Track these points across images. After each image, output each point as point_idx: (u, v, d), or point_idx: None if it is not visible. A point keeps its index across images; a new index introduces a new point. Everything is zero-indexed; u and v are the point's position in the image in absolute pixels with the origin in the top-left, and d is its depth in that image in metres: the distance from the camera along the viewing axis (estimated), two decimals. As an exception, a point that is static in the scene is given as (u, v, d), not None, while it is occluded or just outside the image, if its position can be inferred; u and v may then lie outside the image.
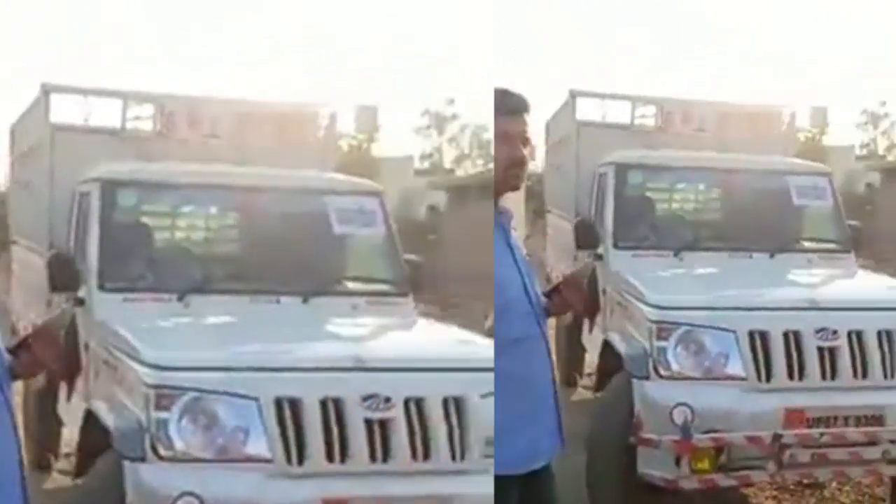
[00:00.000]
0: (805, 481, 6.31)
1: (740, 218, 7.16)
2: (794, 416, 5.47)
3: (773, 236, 7.03)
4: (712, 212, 7.59)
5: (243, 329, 5.21)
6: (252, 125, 6.64)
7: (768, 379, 5.57)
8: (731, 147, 7.72)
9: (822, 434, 5.42)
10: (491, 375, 3.75)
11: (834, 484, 6.67)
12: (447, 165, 19.44)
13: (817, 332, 5.62)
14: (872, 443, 5.52)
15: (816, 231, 7.44)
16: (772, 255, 6.87)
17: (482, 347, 4.72)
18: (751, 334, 5.59)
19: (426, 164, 18.90)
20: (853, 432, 5.51)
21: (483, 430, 4.43)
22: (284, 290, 5.61)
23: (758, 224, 7.08)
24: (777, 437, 5.35)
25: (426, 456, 4.46)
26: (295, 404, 4.39)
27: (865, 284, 6.74)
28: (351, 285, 6.05)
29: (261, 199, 5.94)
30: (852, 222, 7.45)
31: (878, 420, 5.63)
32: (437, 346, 5.26)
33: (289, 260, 5.79)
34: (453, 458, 4.49)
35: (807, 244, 7.30)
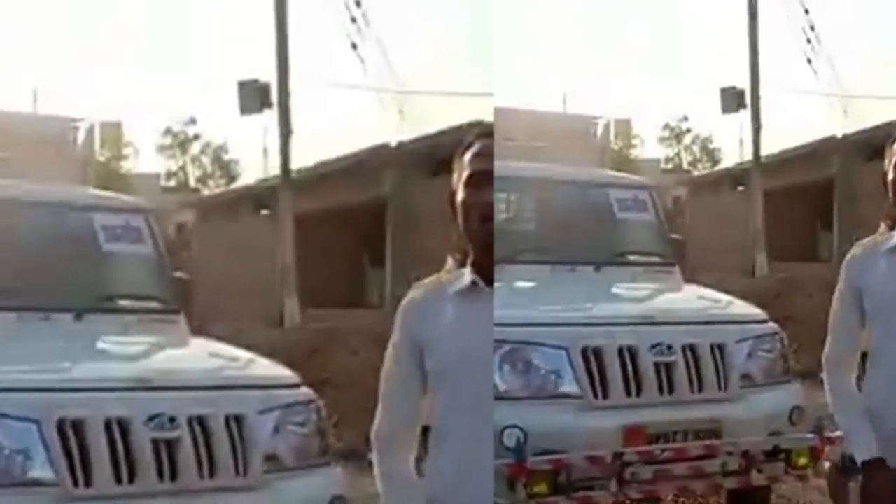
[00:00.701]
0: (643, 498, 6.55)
1: (560, 230, 7.40)
2: (633, 433, 5.85)
3: (596, 249, 7.38)
4: (527, 223, 7.71)
5: (15, 347, 5.29)
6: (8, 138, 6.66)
7: (605, 396, 5.83)
8: (543, 156, 7.90)
9: (663, 450, 5.70)
10: (270, 392, 4.91)
11: (670, 497, 6.97)
12: (192, 184, 19.97)
13: (653, 347, 5.92)
14: (712, 456, 5.86)
15: (640, 244, 7.79)
16: (597, 269, 7.18)
17: (260, 366, 5.46)
18: (584, 351, 5.87)
19: (172, 182, 19.39)
20: (693, 446, 5.80)
21: (262, 447, 4.95)
22: (54, 307, 5.71)
23: (580, 237, 7.40)
24: (618, 456, 5.69)
25: (212, 474, 4.83)
26: (79, 426, 4.60)
27: (693, 298, 7.14)
28: (122, 303, 6.24)
29: (25, 214, 6.04)
30: (675, 236, 7.81)
31: (715, 433, 6.07)
32: (217, 364, 5.61)
33: (57, 277, 5.93)
34: (237, 474, 4.90)
35: (631, 258, 7.69)
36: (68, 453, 4.52)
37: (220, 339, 6.20)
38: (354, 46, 14.84)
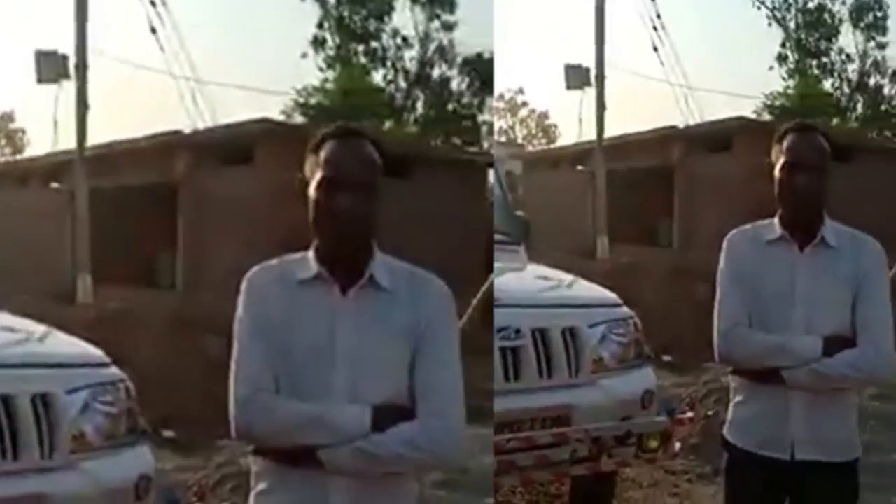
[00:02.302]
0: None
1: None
2: None
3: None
4: None
5: None
6: None
7: (445, 385, 5.58)
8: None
9: (508, 440, 5.50)
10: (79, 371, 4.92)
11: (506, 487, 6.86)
12: None
13: (499, 331, 5.71)
14: (559, 444, 5.68)
15: (485, 221, 7.57)
16: (440, 248, 6.92)
17: (67, 344, 5.40)
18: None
19: None
20: (541, 435, 5.63)
21: (70, 427, 4.86)
22: None
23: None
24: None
25: (16, 456, 4.71)
26: None
27: (541, 280, 6.93)
28: None
29: None
30: (519, 213, 7.65)
31: (565, 420, 5.84)
32: (19, 341, 5.35)
33: None
34: (42, 456, 4.77)
35: None
36: None
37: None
38: (154, 30, 14.98)
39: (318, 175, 2.91)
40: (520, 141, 27.02)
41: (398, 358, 2.94)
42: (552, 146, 20.95)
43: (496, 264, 7.01)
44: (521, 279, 6.83)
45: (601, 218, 14.84)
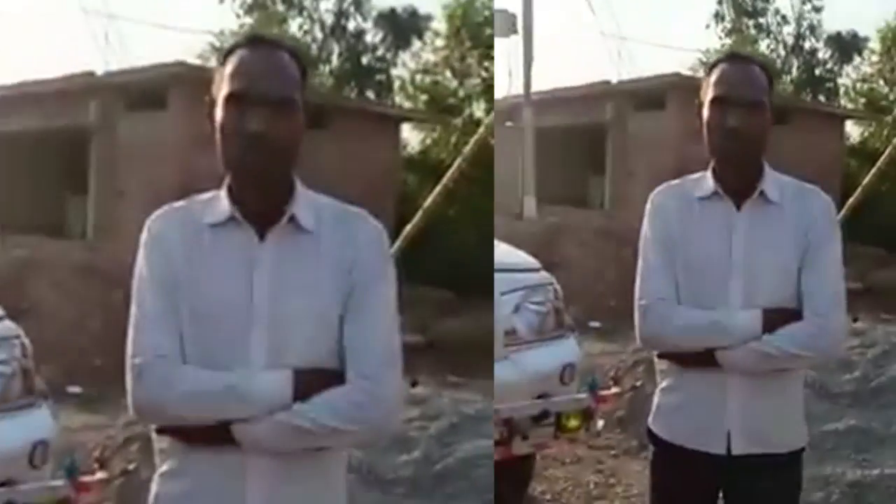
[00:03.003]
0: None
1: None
2: None
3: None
4: None
5: None
6: None
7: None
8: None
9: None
10: None
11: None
12: None
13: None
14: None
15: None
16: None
17: None
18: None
19: None
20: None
21: None
22: None
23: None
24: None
25: None
26: None
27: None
28: None
29: None
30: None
31: (474, 402, 5.14)
32: None
33: None
34: None
35: None
36: None
37: None
38: None
39: (224, 91, 2.42)
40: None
41: (324, 313, 2.45)
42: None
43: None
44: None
45: (529, 177, 14.17)
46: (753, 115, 2.95)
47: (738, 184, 3.02)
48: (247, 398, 2.35)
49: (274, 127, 2.37)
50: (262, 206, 2.44)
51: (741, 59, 3.04)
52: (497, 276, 5.61)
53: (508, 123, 15.72)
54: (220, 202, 2.46)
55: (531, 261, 5.96)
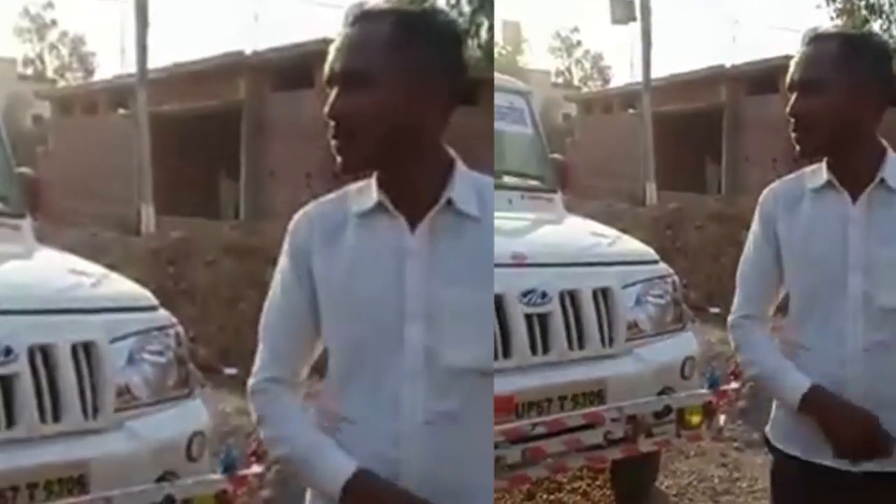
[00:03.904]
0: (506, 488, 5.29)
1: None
2: (499, 405, 4.49)
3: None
4: None
5: None
6: None
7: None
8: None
9: (534, 425, 4.52)
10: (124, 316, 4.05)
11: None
12: (49, 74, 18.60)
13: (524, 295, 4.72)
14: (592, 425, 4.73)
15: (515, 163, 6.39)
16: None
17: (112, 285, 4.46)
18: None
19: (29, 71, 18.00)
20: (572, 416, 4.67)
21: (114, 380, 4.07)
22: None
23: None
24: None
25: (56, 417, 3.90)
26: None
27: (576, 233, 5.88)
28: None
29: None
30: (556, 156, 6.61)
31: (599, 397, 4.88)
32: (66, 282, 4.42)
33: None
34: (85, 416, 3.99)
35: (505, 179, 6.18)
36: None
37: (77, 246, 5.10)
38: None
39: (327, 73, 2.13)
40: (576, 83, 25.76)
41: (484, 307, 2.14)
42: (605, 88, 19.76)
43: (532, 214, 5.93)
44: (551, 233, 5.82)
45: (649, 163, 13.74)
46: (810, 97, 2.55)
47: (854, 172, 2.61)
48: (304, 471, 2.16)
49: (344, 105, 2.07)
50: (409, 192, 2.12)
51: (815, 39, 2.62)
52: (618, 268, 5.27)
53: (631, 111, 15.35)
54: (369, 190, 2.16)
55: (650, 252, 5.60)
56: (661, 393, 5.04)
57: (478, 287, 2.12)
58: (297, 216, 2.22)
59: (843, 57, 2.56)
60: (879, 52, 2.61)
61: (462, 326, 2.10)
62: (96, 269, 4.64)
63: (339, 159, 2.10)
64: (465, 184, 2.13)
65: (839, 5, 16.29)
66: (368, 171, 2.17)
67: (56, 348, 3.91)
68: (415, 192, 2.11)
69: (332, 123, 2.09)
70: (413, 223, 2.11)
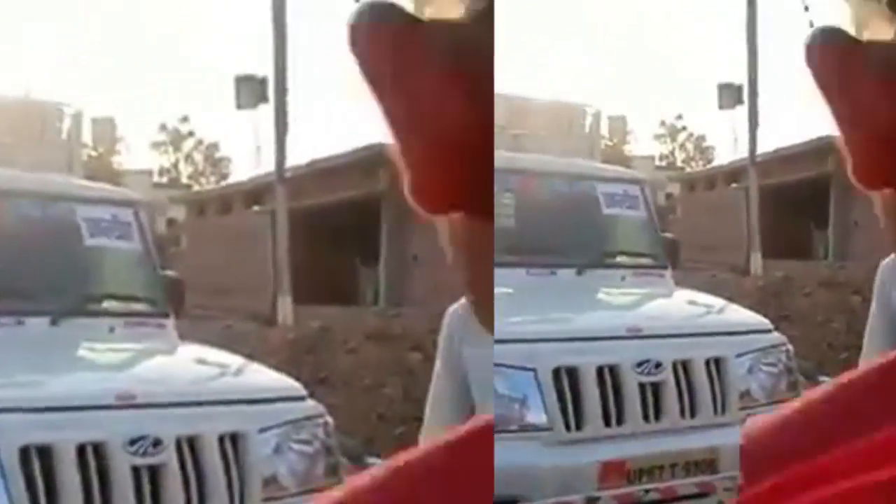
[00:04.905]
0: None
1: (540, 227, 5.98)
2: (611, 470, 4.42)
3: (580, 249, 5.92)
4: (504, 218, 6.30)
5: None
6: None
7: (579, 427, 4.46)
8: (525, 146, 6.59)
9: (647, 490, 4.32)
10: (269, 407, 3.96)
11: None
12: (184, 181, 19.06)
13: (638, 365, 4.55)
14: (705, 493, 4.50)
15: (629, 244, 6.38)
16: (579, 272, 5.71)
17: (259, 376, 4.46)
18: (556, 372, 4.50)
19: (164, 179, 18.42)
20: (684, 484, 4.45)
21: (260, 469, 4.01)
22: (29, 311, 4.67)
23: (562, 235, 5.95)
24: (592, 500, 4.26)
25: None
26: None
27: (687, 305, 5.72)
28: (107, 305, 5.14)
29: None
30: (668, 234, 6.47)
31: (710, 465, 4.63)
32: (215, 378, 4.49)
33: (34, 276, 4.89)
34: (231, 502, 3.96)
35: (619, 259, 6.20)
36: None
37: (213, 339, 5.25)
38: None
39: None
40: (679, 164, 25.61)
41: None
42: (708, 166, 19.51)
43: (642, 290, 5.80)
44: (663, 306, 5.65)
45: (754, 233, 13.42)
46: None
47: None
48: None
49: None
50: None
51: None
52: (731, 338, 5.09)
53: (734, 185, 15.06)
54: None
55: (763, 321, 5.41)
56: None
57: None
58: (451, 309, 2.23)
59: None
60: None
61: None
62: (238, 360, 4.65)
63: None
64: None
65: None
66: None
67: (202, 439, 3.89)
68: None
69: None
70: None
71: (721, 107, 13.76)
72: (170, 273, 5.43)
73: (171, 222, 16.07)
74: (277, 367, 5.14)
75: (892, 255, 2.64)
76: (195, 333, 5.56)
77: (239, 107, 13.25)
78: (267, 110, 13.05)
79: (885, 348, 2.57)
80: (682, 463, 4.59)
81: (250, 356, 5.24)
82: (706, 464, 4.65)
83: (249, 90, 13.12)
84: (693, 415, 4.72)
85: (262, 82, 13.01)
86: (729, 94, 13.52)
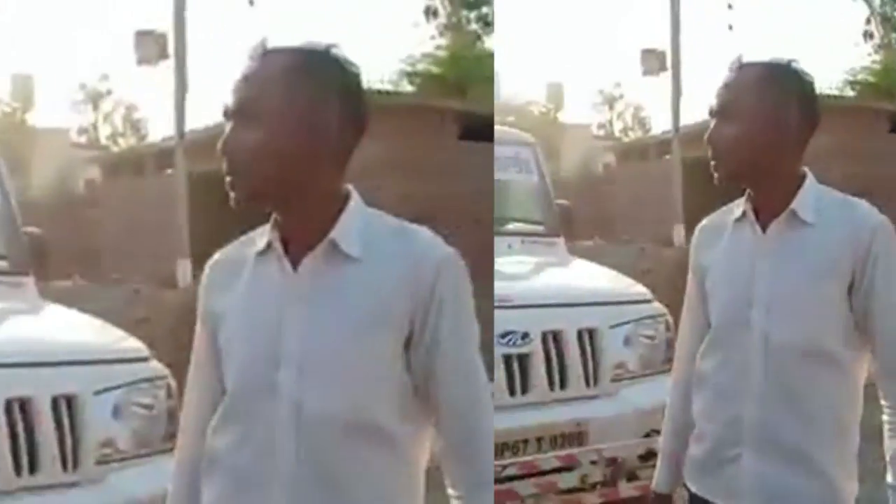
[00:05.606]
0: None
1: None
2: None
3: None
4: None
5: None
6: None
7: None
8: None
9: (504, 466, 4.21)
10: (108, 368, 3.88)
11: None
12: (102, 141, 18.75)
13: (503, 336, 4.43)
14: (569, 468, 4.40)
15: (520, 211, 6.26)
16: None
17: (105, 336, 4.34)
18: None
19: (82, 139, 18.12)
20: (546, 458, 4.35)
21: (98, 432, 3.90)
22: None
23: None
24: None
25: (33, 469, 3.71)
26: None
27: (571, 275, 5.61)
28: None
29: None
30: (561, 201, 6.35)
31: (578, 438, 4.53)
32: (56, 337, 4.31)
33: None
34: (64, 469, 3.81)
35: (509, 226, 6.07)
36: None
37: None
38: (252, 2, 13.29)
39: None
40: (616, 133, 25.59)
41: (370, 353, 1.85)
42: (642, 136, 19.54)
43: (531, 258, 5.69)
44: (545, 276, 5.53)
45: (677, 204, 13.40)
46: (725, 124, 2.30)
47: (768, 203, 2.32)
48: None
49: (233, 140, 1.88)
50: (298, 231, 1.90)
51: (739, 67, 2.36)
52: (606, 308, 4.98)
53: (667, 157, 15.07)
54: (265, 232, 1.95)
55: (643, 291, 5.29)
56: (647, 436, 4.69)
57: (359, 333, 1.85)
58: (207, 264, 2.05)
59: (760, 85, 2.31)
60: (798, 82, 2.34)
61: (331, 375, 1.85)
62: (94, 321, 4.50)
63: (231, 195, 1.91)
64: (354, 224, 1.89)
65: (877, 42, 15.84)
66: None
67: (33, 401, 3.73)
68: (303, 231, 1.88)
69: (224, 159, 1.90)
70: (295, 264, 1.88)
71: (644, 73, 13.66)
72: (33, 230, 5.15)
73: (88, 183, 15.83)
74: (175, 330, 4.99)
75: (706, 219, 2.54)
76: (105, 298, 5.41)
77: (139, 62, 12.91)
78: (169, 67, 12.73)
79: (697, 310, 2.47)
80: (548, 437, 4.48)
81: (147, 319, 5.09)
82: (574, 437, 4.55)
83: (149, 45, 12.77)
84: (563, 387, 4.61)
85: (162, 38, 12.72)
86: (652, 60, 13.42)
